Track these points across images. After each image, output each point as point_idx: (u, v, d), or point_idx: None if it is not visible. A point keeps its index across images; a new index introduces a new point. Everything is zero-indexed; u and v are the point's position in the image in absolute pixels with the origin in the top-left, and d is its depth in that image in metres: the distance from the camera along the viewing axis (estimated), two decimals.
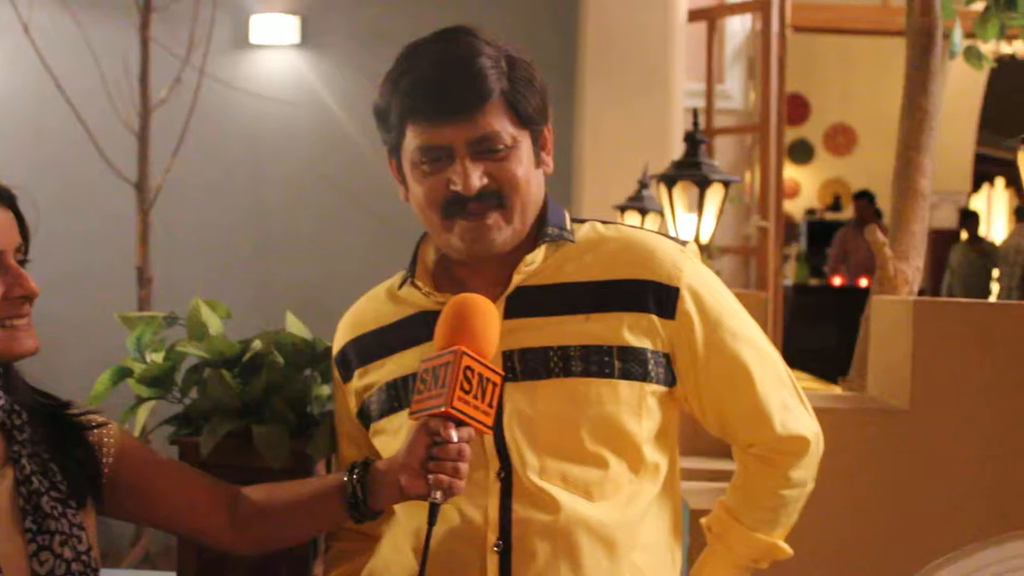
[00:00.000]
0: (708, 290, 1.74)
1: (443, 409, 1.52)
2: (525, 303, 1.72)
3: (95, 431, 1.72)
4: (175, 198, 5.85)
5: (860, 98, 12.35)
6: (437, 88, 1.65)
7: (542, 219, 1.77)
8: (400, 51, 1.72)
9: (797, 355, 7.94)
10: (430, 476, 1.54)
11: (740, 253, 6.59)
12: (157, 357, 2.11)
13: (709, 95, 6.35)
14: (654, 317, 1.70)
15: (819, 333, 8.67)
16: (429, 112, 1.66)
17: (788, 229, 11.38)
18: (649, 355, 1.70)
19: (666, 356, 1.72)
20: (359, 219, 6.03)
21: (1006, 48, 8.57)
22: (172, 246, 6.00)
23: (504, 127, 1.67)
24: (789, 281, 10.74)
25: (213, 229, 6.26)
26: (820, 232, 12.29)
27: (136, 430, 2.06)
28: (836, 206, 12.59)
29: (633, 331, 1.69)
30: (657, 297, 1.70)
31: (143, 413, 2.09)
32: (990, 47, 4.41)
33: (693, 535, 2.18)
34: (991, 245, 11.07)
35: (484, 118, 1.66)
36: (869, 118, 12.15)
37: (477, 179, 1.66)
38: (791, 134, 12.54)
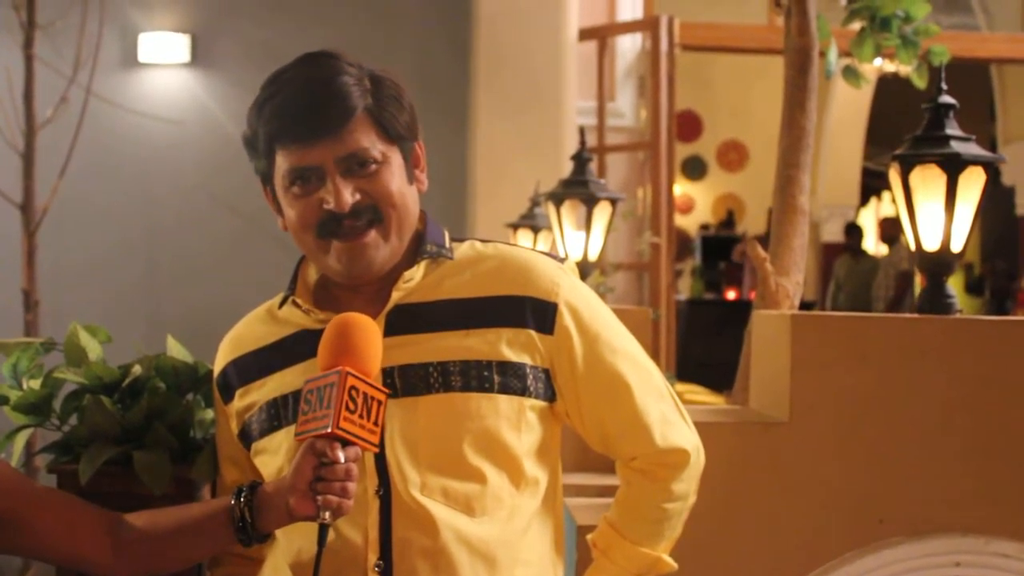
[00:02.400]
0: (586, 305, 1.77)
1: (329, 430, 1.52)
2: (404, 320, 1.72)
3: None
4: (63, 220, 5.74)
5: (751, 115, 12.59)
6: (300, 109, 1.65)
7: (420, 237, 1.78)
8: (266, 79, 1.72)
9: (693, 368, 8.08)
10: (318, 497, 1.54)
11: (634, 269, 6.66)
12: (34, 384, 2.07)
13: (601, 113, 6.41)
14: (533, 332, 1.72)
15: (714, 346, 8.79)
16: (295, 133, 1.66)
17: (683, 244, 11.56)
18: (528, 370, 1.71)
19: (545, 371, 1.73)
20: (253, 240, 5.96)
21: (889, 67, 8.80)
22: (60, 270, 5.88)
23: (372, 143, 1.68)
24: (683, 296, 10.89)
25: (103, 252, 6.15)
26: (715, 247, 12.49)
27: (13, 459, 2.02)
28: (730, 221, 12.79)
29: (512, 346, 1.71)
30: (535, 312, 1.72)
31: (20, 441, 2.05)
32: (873, 66, 4.52)
33: (580, 551, 2.20)
34: (874, 259, 11.35)
35: (351, 135, 1.66)
36: (761, 134, 12.38)
37: (349, 195, 1.66)
38: (685, 150, 12.74)
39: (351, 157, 1.67)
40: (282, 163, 1.69)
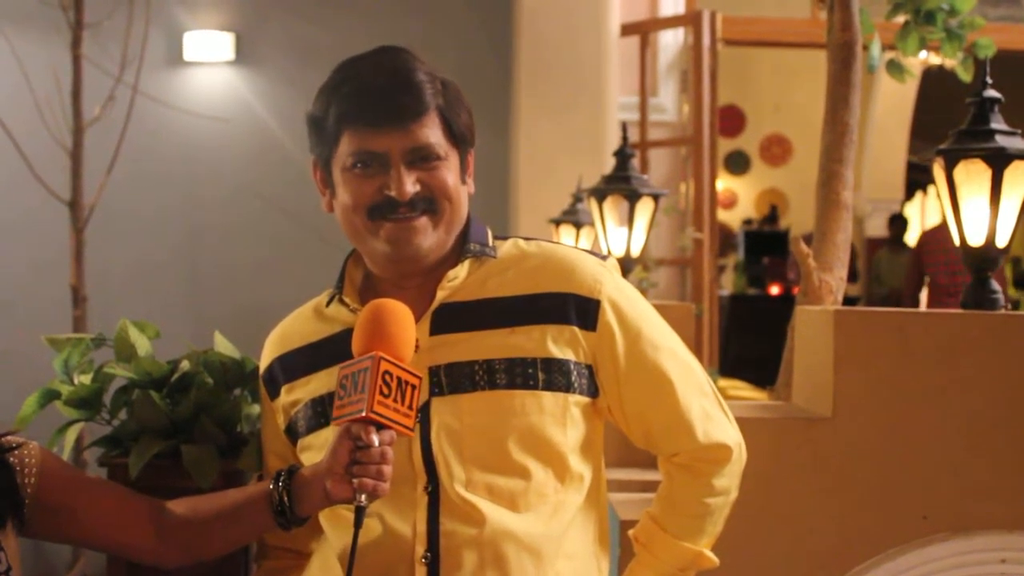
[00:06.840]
0: (628, 302, 1.78)
1: (363, 414, 1.55)
2: (450, 319, 1.74)
3: (15, 452, 1.72)
4: (110, 217, 5.81)
5: (794, 109, 12.49)
6: (378, 94, 1.69)
7: (464, 236, 1.80)
8: (337, 65, 1.75)
9: (736, 364, 8.04)
10: (354, 480, 1.57)
11: (676, 264, 6.64)
12: (85, 379, 2.10)
13: (643, 108, 6.39)
14: (576, 329, 1.73)
15: (757, 342, 8.73)
16: (369, 117, 1.69)
17: (726, 239, 11.49)
18: (572, 366, 1.73)
19: (589, 367, 1.75)
20: (296, 236, 6.00)
21: (934, 60, 8.71)
22: (107, 266, 5.94)
23: (439, 140, 1.72)
24: (726, 291, 10.83)
25: (149, 248, 6.21)
26: (758, 242, 12.40)
27: (64, 452, 2.06)
28: (772, 216, 12.71)
29: (556, 343, 1.72)
30: (579, 309, 1.74)
31: (71, 435, 2.09)
32: (918, 59, 4.48)
33: (623, 546, 2.21)
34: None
35: (421, 130, 1.70)
36: (803, 128, 12.28)
37: (411, 185, 1.70)
38: (728, 145, 12.67)
39: (418, 150, 1.71)
40: (348, 144, 1.72)
